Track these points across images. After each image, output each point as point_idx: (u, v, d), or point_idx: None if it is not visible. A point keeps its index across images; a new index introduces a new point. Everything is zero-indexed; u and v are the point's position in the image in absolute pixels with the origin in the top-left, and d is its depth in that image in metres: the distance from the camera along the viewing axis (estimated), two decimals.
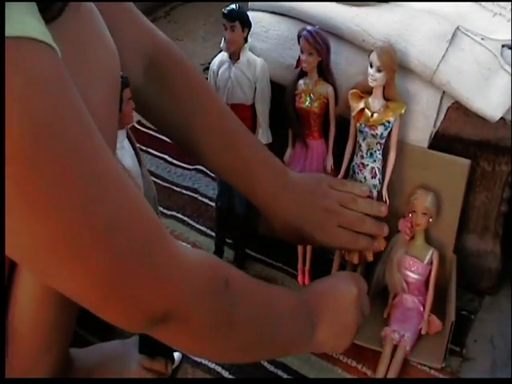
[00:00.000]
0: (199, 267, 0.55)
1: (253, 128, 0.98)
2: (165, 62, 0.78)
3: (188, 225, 1.20)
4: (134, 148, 0.81)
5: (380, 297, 0.96)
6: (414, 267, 0.93)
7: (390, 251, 0.93)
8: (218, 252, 1.11)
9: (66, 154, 0.41)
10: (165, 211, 1.23)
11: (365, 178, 0.90)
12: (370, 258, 0.93)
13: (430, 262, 0.93)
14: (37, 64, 0.39)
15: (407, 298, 0.94)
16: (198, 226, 1.20)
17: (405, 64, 0.85)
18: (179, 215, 1.22)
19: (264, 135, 0.98)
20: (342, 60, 0.90)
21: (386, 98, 0.85)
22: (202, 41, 1.75)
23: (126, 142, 0.78)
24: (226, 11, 0.89)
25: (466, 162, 0.89)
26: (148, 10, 1.83)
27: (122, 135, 0.76)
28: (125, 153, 0.77)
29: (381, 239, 0.91)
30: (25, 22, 0.39)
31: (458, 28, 0.85)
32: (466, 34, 0.84)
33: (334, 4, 0.90)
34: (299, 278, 1.06)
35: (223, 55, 0.95)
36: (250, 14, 0.94)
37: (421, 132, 0.87)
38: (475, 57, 0.83)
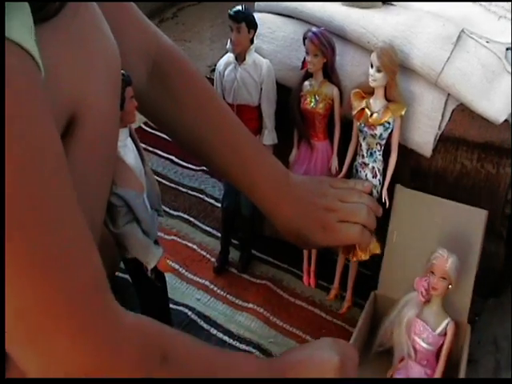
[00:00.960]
0: (135, 337, 0.49)
1: (258, 129, 1.00)
2: (168, 65, 0.79)
3: (194, 225, 1.22)
4: (137, 146, 0.83)
5: (386, 354, 0.89)
6: (424, 334, 0.83)
7: (401, 310, 0.86)
8: (224, 253, 1.13)
9: (9, 176, 0.38)
10: (171, 212, 1.26)
11: (366, 176, 0.92)
12: (366, 256, 0.94)
13: (444, 333, 0.83)
14: (9, 69, 0.38)
15: (413, 367, 0.85)
16: (204, 226, 1.22)
17: (409, 66, 0.87)
18: (185, 216, 1.24)
19: (270, 136, 1.00)
20: (347, 61, 0.92)
21: (388, 99, 0.88)
22: (209, 42, 1.78)
23: (129, 141, 0.79)
24: (232, 12, 0.91)
25: (483, 212, 0.87)
26: (155, 11, 1.86)
27: (124, 133, 0.77)
28: (127, 151, 0.78)
29: (375, 243, 0.93)
30: (12, 27, 0.39)
31: (462, 30, 0.86)
32: (470, 37, 0.86)
33: (339, 6, 0.92)
34: (304, 278, 1.08)
35: (229, 56, 0.97)
36: (256, 15, 0.96)
37: (425, 134, 0.89)
38: (480, 59, 0.85)
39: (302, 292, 1.07)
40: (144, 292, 0.92)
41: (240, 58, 0.95)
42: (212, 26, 1.85)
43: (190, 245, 1.18)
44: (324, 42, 0.87)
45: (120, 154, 0.76)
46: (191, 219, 1.24)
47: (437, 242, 0.85)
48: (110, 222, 0.79)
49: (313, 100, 0.92)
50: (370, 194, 0.92)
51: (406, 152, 0.92)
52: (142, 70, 0.76)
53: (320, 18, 0.91)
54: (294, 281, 1.10)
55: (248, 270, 1.12)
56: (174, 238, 1.20)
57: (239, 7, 0.91)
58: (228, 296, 1.08)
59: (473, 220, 0.86)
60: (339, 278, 1.05)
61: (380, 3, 0.93)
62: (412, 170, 0.95)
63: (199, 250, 1.17)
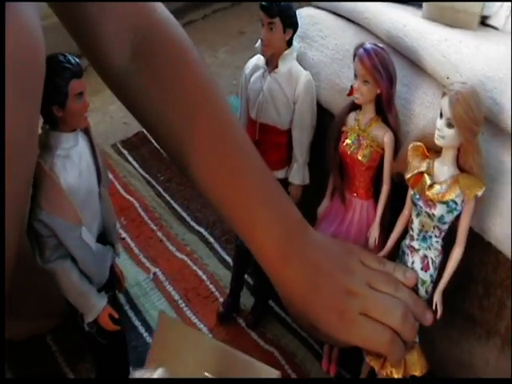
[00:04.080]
0: None
1: (286, 161, 0.76)
2: (159, 45, 0.65)
3: (212, 249, 1.02)
4: (96, 159, 0.65)
5: None
6: None
7: None
8: (233, 297, 0.91)
9: None
10: (192, 224, 1.07)
11: (413, 264, 0.66)
12: (398, 373, 0.70)
13: None
14: None
15: None
16: (222, 253, 1.01)
17: (502, 125, 0.57)
18: (206, 234, 1.04)
19: (299, 174, 0.75)
20: (415, 98, 0.64)
21: (460, 168, 0.61)
22: None
23: (77, 151, 0.61)
24: (264, 3, 0.67)
25: (275, 373, 0.61)
26: None
27: (68, 141, 0.59)
28: (69, 166, 0.59)
29: (417, 357, 0.69)
30: None
31: None
32: None
33: (418, 18, 0.64)
34: (323, 362, 0.84)
35: (259, 58, 0.73)
36: (308, 10, 0.71)
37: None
38: None
39: (317, 378, 0.84)
40: (88, 345, 0.74)
41: (271, 64, 0.71)
42: None
43: (199, 273, 0.98)
44: (378, 66, 0.61)
45: (55, 167, 0.59)
46: (211, 240, 1.03)
47: None
48: (38, 253, 0.62)
49: (354, 142, 0.67)
50: (414, 290, 0.67)
51: (478, 244, 0.65)
52: (126, 46, 0.64)
53: (388, 31, 0.64)
54: (310, 360, 0.86)
55: (258, 327, 0.91)
56: (185, 258, 1.01)
57: None
58: None
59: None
60: (366, 375, 0.80)
61: (476, 23, 0.63)
62: (484, 271, 0.67)
63: (208, 283, 0.97)
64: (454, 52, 0.60)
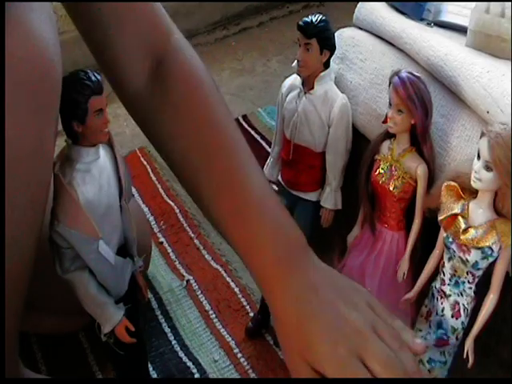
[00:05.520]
0: None
1: (320, 183, 0.72)
2: (174, 72, 0.62)
3: None
4: (119, 175, 0.63)
5: None
6: None
7: None
8: (262, 313, 0.89)
9: None
10: None
11: (443, 311, 0.62)
12: None
13: None
14: None
15: None
16: None
17: None
18: None
19: (331, 198, 0.71)
20: (453, 130, 0.59)
21: (497, 212, 0.56)
22: None
23: (98, 165, 0.59)
24: (301, 23, 0.63)
25: None
26: None
27: (89, 155, 0.58)
28: (89, 180, 0.57)
29: None
30: None
31: None
32: None
33: (461, 47, 0.59)
34: None
35: (295, 78, 0.70)
36: (350, 31, 0.67)
37: None
38: None
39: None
40: (107, 354, 0.73)
41: (307, 84, 0.67)
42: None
43: (232, 285, 0.96)
44: (413, 96, 0.56)
45: (73, 181, 0.57)
46: None
47: None
48: (58, 263, 0.61)
49: (386, 172, 0.62)
50: (444, 337, 0.62)
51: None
52: (144, 69, 0.63)
53: (428, 59, 0.59)
54: None
55: None
56: (220, 269, 0.98)
57: (313, 17, 0.64)
58: (250, 371, 0.84)
59: None
60: None
61: None
62: None
63: (240, 297, 0.94)
64: (495, 85, 0.54)
